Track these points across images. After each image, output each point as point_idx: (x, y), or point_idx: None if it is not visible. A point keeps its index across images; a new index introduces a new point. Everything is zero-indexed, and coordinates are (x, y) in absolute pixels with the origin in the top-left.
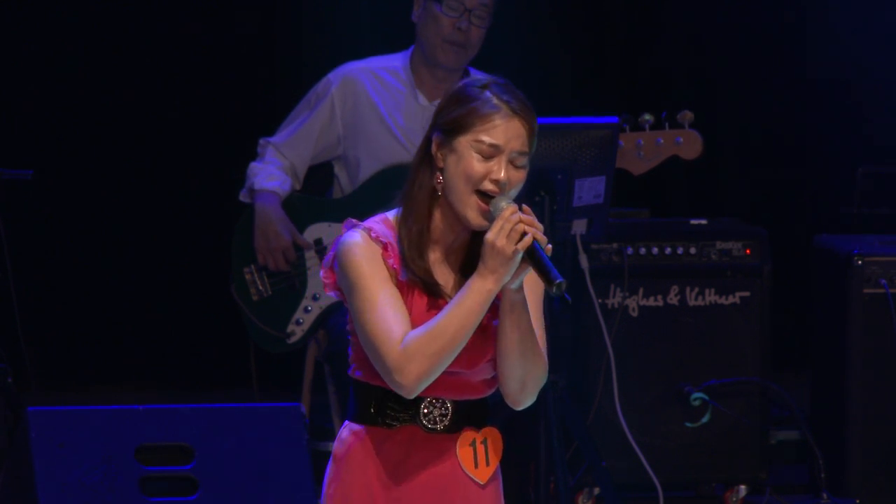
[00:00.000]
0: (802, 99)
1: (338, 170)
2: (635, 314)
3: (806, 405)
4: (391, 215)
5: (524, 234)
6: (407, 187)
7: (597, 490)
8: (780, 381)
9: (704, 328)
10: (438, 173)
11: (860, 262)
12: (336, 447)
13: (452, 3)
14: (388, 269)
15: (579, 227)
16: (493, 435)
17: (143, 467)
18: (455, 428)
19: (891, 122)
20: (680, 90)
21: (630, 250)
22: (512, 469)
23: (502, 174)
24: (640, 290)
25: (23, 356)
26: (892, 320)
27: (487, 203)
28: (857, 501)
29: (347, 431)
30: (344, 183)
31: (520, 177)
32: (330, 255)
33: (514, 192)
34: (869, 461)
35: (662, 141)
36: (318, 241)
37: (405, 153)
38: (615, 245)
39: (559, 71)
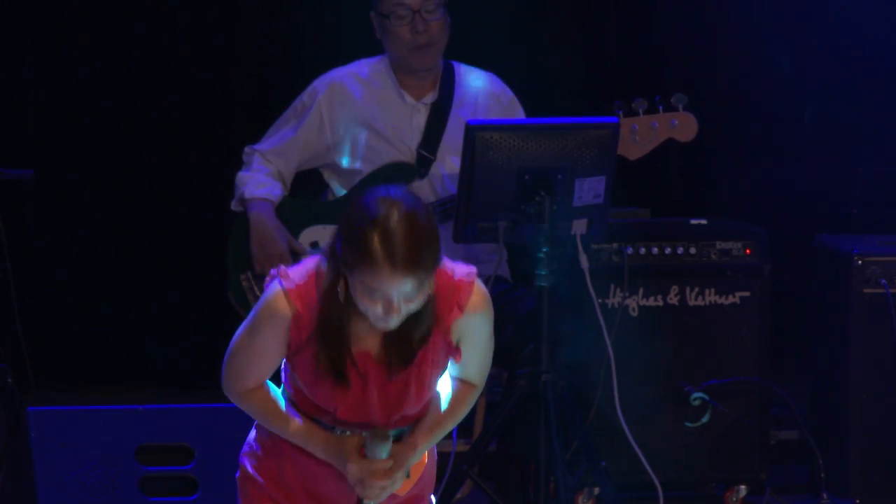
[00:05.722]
0: (802, 98)
1: (328, 177)
2: (635, 314)
3: (806, 405)
4: (320, 266)
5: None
6: (329, 274)
7: (597, 490)
8: (780, 381)
9: (704, 328)
10: (343, 282)
11: (860, 262)
12: (259, 437)
13: (398, 11)
14: (286, 335)
15: (579, 227)
16: None
17: (143, 467)
18: None
19: (891, 122)
20: (679, 89)
21: (630, 250)
22: (512, 469)
23: (391, 321)
24: (640, 290)
25: (23, 356)
26: (892, 320)
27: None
28: (857, 501)
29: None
30: (336, 187)
31: (412, 306)
32: (269, 284)
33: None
34: (869, 461)
35: (658, 125)
36: (315, 244)
37: (397, 154)
38: (615, 245)
39: (556, 69)
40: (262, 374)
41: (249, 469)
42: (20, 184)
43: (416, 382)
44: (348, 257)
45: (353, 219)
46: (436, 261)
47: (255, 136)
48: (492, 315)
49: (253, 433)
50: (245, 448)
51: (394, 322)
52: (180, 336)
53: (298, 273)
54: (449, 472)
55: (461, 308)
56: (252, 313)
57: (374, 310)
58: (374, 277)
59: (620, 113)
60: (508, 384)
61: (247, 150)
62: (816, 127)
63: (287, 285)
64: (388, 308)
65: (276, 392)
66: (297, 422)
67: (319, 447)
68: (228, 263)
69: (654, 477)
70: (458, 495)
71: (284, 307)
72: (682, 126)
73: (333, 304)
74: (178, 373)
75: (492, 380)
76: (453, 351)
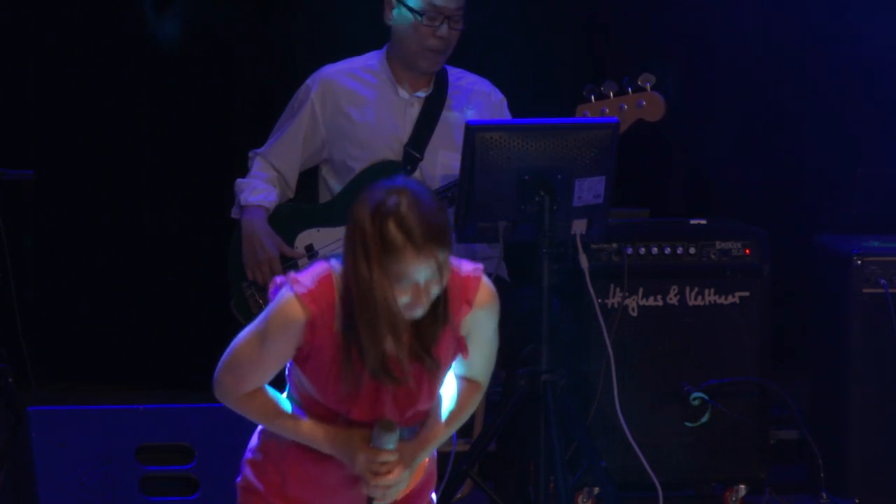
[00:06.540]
0: (803, 98)
1: (325, 172)
2: (635, 314)
3: (806, 405)
4: (333, 270)
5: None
6: (353, 275)
7: (597, 490)
8: (780, 381)
9: (704, 328)
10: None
11: (860, 262)
12: (263, 445)
13: (432, 13)
14: (298, 341)
15: (579, 227)
16: None
17: (143, 467)
18: None
19: (891, 122)
20: (678, 89)
21: (630, 250)
22: (512, 469)
23: (419, 308)
24: (640, 290)
25: (23, 356)
26: (892, 320)
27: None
28: (857, 501)
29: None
30: (332, 184)
31: (436, 288)
32: (274, 292)
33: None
34: (869, 461)
35: (626, 106)
36: (310, 248)
37: (389, 149)
38: (615, 245)
39: (552, 66)
40: (264, 379)
41: (251, 476)
42: (20, 184)
43: (429, 379)
44: (369, 252)
45: (364, 215)
46: (450, 237)
47: (256, 137)
48: (498, 310)
49: (256, 440)
50: (247, 454)
51: (421, 310)
52: (180, 336)
53: (310, 277)
54: (449, 471)
55: (470, 304)
56: (260, 321)
57: (402, 299)
58: (398, 264)
59: (592, 96)
60: (508, 384)
61: (250, 154)
62: (816, 127)
63: (299, 290)
64: (416, 293)
65: (275, 393)
66: (300, 420)
67: (325, 442)
68: (230, 272)
69: (654, 477)
70: (458, 495)
71: (298, 312)
72: (649, 106)
73: (360, 308)
74: (178, 373)
75: (491, 379)
76: (462, 347)
